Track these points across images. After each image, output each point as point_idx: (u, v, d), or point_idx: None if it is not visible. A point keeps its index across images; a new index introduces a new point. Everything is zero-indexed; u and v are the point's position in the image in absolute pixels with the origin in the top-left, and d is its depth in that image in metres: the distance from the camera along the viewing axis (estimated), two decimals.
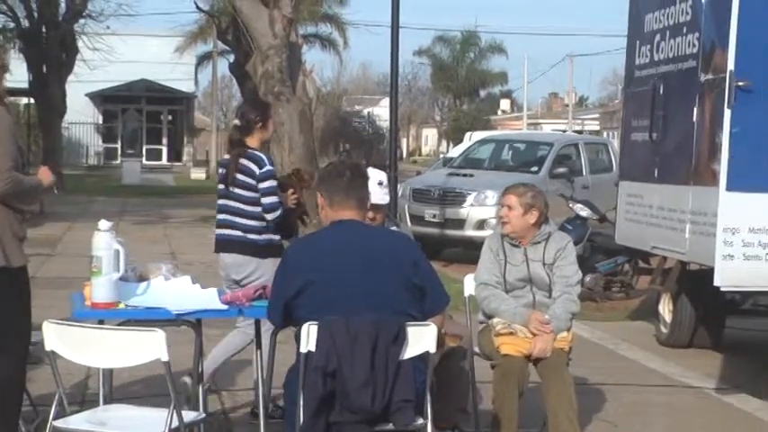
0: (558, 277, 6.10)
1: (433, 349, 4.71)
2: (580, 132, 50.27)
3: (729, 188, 6.61)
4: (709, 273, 8.18)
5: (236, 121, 6.83)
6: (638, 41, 10.65)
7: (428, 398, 4.75)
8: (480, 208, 16.32)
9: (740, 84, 6.53)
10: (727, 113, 6.57)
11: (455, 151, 24.24)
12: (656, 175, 9.94)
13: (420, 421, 4.70)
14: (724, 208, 6.65)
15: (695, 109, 9.15)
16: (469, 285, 6.36)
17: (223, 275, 6.89)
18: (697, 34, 9.30)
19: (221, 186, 6.87)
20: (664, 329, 10.18)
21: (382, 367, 4.55)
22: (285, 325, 4.92)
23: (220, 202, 6.88)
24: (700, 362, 9.09)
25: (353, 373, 4.52)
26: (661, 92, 9.93)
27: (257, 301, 5.22)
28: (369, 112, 55.02)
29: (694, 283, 9.61)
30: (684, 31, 9.58)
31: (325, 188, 4.86)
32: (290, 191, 6.74)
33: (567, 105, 70.33)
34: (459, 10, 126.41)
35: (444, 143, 73.21)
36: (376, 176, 5.87)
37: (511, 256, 6.12)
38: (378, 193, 5.78)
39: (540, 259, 6.11)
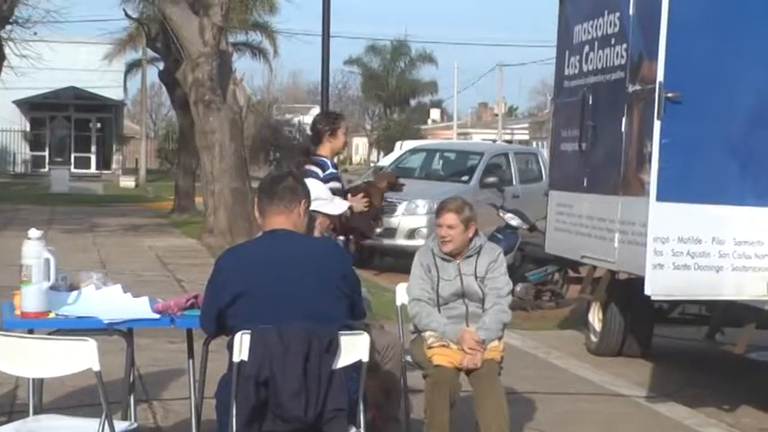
0: (489, 289, 6.12)
1: (366, 358, 4.71)
2: (510, 142, 50.62)
3: (659, 198, 6.69)
4: (637, 282, 8.30)
5: (309, 132, 7.30)
6: (567, 52, 10.76)
7: (361, 407, 4.76)
8: (411, 217, 16.37)
9: (669, 95, 6.62)
10: (657, 125, 6.66)
11: (386, 160, 24.29)
12: (585, 184, 10.04)
13: (353, 430, 4.70)
14: (654, 218, 6.73)
15: (623, 119, 9.25)
16: (401, 295, 6.37)
17: None
18: (625, 45, 9.42)
19: None
20: (593, 338, 10.28)
21: (315, 376, 4.55)
22: (218, 334, 4.90)
23: None
24: (629, 370, 9.19)
25: (286, 382, 4.51)
26: (590, 102, 10.04)
27: (189, 311, 5.18)
28: (299, 121, 54.92)
29: (623, 292, 9.73)
30: (613, 42, 9.70)
31: (257, 199, 4.85)
32: (361, 194, 6.91)
33: (497, 115, 70.82)
34: (390, 19, 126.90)
35: (375, 152, 73.33)
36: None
37: (443, 272, 6.12)
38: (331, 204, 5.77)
39: (472, 273, 6.12)
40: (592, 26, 10.15)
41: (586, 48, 10.24)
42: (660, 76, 6.60)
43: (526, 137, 64.33)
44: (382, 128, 68.59)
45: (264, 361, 4.50)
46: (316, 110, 69.54)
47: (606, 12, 9.84)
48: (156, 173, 55.19)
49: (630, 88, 9.19)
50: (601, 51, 9.91)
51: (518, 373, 8.29)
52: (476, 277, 6.12)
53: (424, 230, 16.10)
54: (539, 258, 13.02)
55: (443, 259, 6.15)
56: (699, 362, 9.56)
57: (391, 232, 16.25)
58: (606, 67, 9.78)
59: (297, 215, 4.82)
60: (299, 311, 4.59)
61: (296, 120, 55.23)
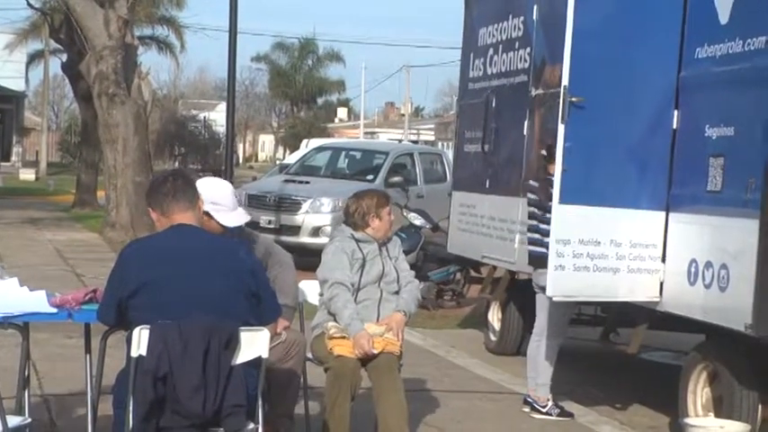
0: (400, 271, 6.39)
1: (265, 354, 4.73)
2: (416, 142, 50.84)
3: (562, 201, 6.81)
4: None
5: (543, 151, 7.83)
6: (471, 54, 10.89)
7: (260, 403, 4.77)
8: (316, 215, 16.39)
9: (573, 100, 6.74)
10: (561, 128, 6.78)
11: (292, 158, 24.29)
12: (487, 185, 10.18)
13: (251, 426, 4.71)
14: (557, 220, 6.85)
15: (525, 122, 9.42)
16: (306, 291, 6.43)
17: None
18: (528, 50, 9.58)
19: (532, 209, 7.76)
20: (492, 337, 10.41)
21: (214, 372, 4.55)
22: (117, 327, 4.87)
23: (532, 222, 7.74)
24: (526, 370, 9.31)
25: (185, 377, 4.50)
26: (493, 105, 10.18)
27: (87, 305, 5.14)
28: (205, 117, 54.54)
29: (522, 292, 9.85)
30: (517, 46, 9.85)
31: (154, 200, 4.83)
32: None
33: (404, 115, 71.14)
34: (298, 17, 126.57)
35: (281, 149, 73.09)
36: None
37: (369, 256, 6.29)
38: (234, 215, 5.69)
39: (393, 256, 6.40)
40: (496, 29, 10.30)
41: (491, 51, 10.38)
42: (565, 81, 6.72)
43: (432, 137, 64.64)
44: (289, 125, 68.38)
45: (163, 356, 4.49)
46: (222, 106, 69.04)
47: (511, 16, 9.99)
48: (58, 166, 54.32)
49: (533, 92, 9.36)
50: (505, 55, 10.06)
51: (417, 370, 8.37)
52: (391, 260, 6.38)
53: (329, 229, 16.09)
54: (441, 258, 13.13)
55: (367, 243, 6.30)
56: (593, 361, 9.74)
57: (295, 230, 16.26)
58: (510, 70, 9.93)
59: (199, 210, 4.84)
60: (201, 306, 4.58)
61: (201, 116, 54.86)
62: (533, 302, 8.22)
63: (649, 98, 7.20)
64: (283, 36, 74.30)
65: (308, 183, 17.30)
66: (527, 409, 7.69)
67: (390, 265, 6.37)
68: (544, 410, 7.61)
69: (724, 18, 6.84)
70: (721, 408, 6.86)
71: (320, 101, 76.18)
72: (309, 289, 6.47)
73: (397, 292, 6.35)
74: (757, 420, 6.69)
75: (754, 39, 6.51)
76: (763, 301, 6.27)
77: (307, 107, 72.84)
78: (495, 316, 10.45)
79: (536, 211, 7.63)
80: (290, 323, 6.06)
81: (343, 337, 6.10)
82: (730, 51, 6.74)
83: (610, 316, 8.57)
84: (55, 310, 5.14)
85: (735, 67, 6.66)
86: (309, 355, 6.26)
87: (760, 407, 6.72)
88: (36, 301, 5.18)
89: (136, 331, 4.55)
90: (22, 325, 5.18)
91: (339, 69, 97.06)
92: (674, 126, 7.22)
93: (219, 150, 60.42)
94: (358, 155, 19.29)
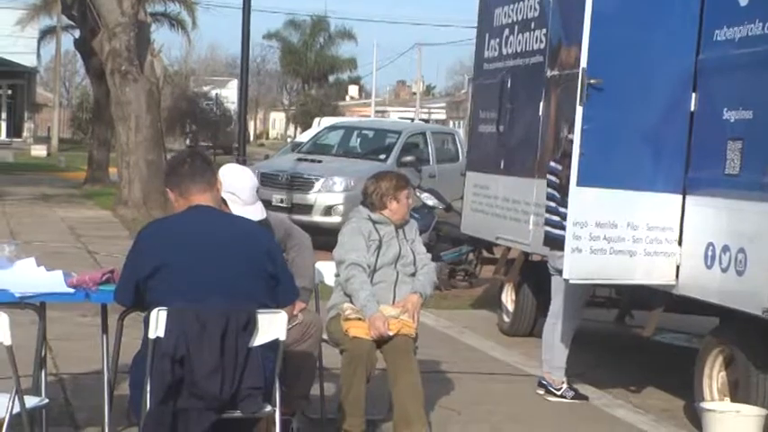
0: (417, 254, 6.40)
1: (283, 337, 4.72)
2: (427, 121, 50.76)
3: (580, 183, 6.77)
4: None
5: (570, 136, 7.37)
6: (487, 35, 10.83)
7: (277, 385, 4.77)
8: (328, 194, 16.37)
9: (592, 81, 6.69)
10: (579, 110, 6.73)
11: (304, 136, 24.22)
12: (502, 166, 10.14)
13: (268, 408, 4.71)
14: (574, 202, 6.81)
15: (541, 104, 9.38)
16: (323, 272, 6.44)
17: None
18: (544, 30, 9.53)
19: (552, 191, 7.64)
20: (506, 319, 10.39)
21: (231, 354, 4.54)
22: (134, 308, 4.87)
23: (551, 204, 7.63)
24: (541, 351, 9.29)
25: (202, 360, 4.50)
26: (509, 85, 10.13)
27: (104, 285, 5.13)
28: (217, 94, 54.46)
29: (536, 273, 9.82)
30: (532, 26, 9.80)
31: (172, 181, 4.81)
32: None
33: (415, 94, 71.02)
34: None
35: (292, 127, 73.03)
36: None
37: (386, 238, 6.28)
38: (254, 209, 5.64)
39: (410, 238, 6.40)
40: (512, 10, 10.24)
41: (506, 31, 10.33)
42: (584, 62, 6.67)
43: (443, 116, 64.54)
44: (300, 103, 68.29)
45: (181, 338, 4.48)
46: (233, 83, 69.08)
47: None
48: (69, 142, 54.41)
49: (549, 73, 9.31)
50: (520, 35, 10.01)
51: (431, 352, 8.35)
52: (408, 242, 6.39)
53: (341, 207, 16.11)
54: (454, 238, 13.12)
55: (384, 225, 6.31)
56: (607, 344, 9.72)
57: (307, 209, 16.24)
58: (525, 51, 9.88)
59: (217, 191, 4.83)
60: (218, 288, 4.58)
61: (213, 93, 54.78)
62: (547, 284, 8.20)
63: (667, 81, 7.14)
64: (295, 13, 74.00)
65: (320, 162, 17.27)
66: (542, 392, 7.68)
67: (407, 248, 6.36)
68: (559, 393, 7.60)
69: (744, 0, 6.78)
70: (737, 392, 6.83)
71: (331, 79, 76.10)
72: (326, 270, 6.47)
73: (413, 275, 6.35)
74: None
75: None
76: None
77: (318, 85, 72.75)
78: (508, 297, 10.43)
79: (556, 193, 7.59)
80: (307, 305, 6.05)
81: (359, 319, 6.09)
82: (750, 34, 6.67)
83: (625, 298, 8.54)
84: (72, 291, 5.13)
85: (755, 50, 6.59)
86: (325, 336, 6.25)
87: None
88: (53, 282, 5.18)
89: (153, 313, 4.54)
90: (39, 305, 5.18)
91: (351, 47, 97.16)
92: (692, 109, 7.17)
93: (231, 127, 60.36)
94: (370, 134, 19.25)
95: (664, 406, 7.96)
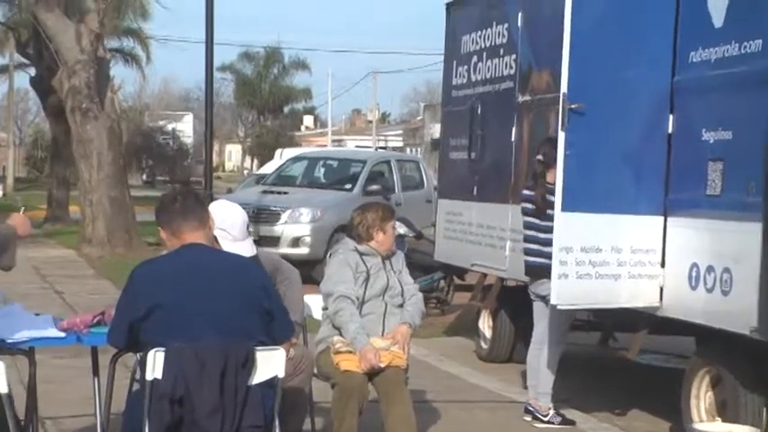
0: (404, 284, 6.40)
1: (281, 374, 4.67)
2: (384, 149, 50.87)
3: (564, 209, 6.77)
4: (526, 289, 8.38)
5: (540, 157, 7.62)
6: (455, 62, 10.86)
7: (276, 423, 4.71)
8: (295, 225, 16.30)
9: (573, 106, 6.71)
10: (562, 136, 6.74)
11: (267, 168, 24.15)
12: (475, 193, 10.15)
13: None
14: (559, 228, 6.81)
15: (513, 129, 9.40)
16: (311, 305, 6.39)
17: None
18: (514, 56, 9.56)
19: (529, 219, 7.61)
20: (484, 345, 10.37)
21: (231, 393, 4.49)
22: (128, 349, 4.79)
23: (529, 232, 7.61)
24: (521, 377, 9.27)
25: (202, 399, 4.44)
26: (479, 112, 10.15)
27: (95, 328, 5.06)
28: (173, 128, 54.33)
29: (513, 299, 9.82)
30: (501, 52, 9.83)
31: (163, 219, 4.75)
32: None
33: (371, 122, 71.07)
34: (263, 26, 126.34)
35: (249, 159, 72.84)
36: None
37: (373, 269, 6.26)
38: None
39: (397, 269, 6.40)
40: (480, 36, 10.28)
41: (475, 58, 10.36)
42: (564, 88, 6.69)
43: (400, 143, 64.68)
44: (255, 135, 68.16)
45: (180, 378, 4.42)
46: (189, 117, 68.71)
47: (494, 23, 9.97)
48: (25, 181, 53.88)
49: (520, 98, 9.34)
50: (489, 61, 10.04)
51: (413, 381, 8.21)
52: (395, 273, 6.38)
53: (308, 239, 16.07)
54: (425, 266, 13.07)
55: (371, 257, 6.27)
56: (588, 367, 9.71)
57: (274, 241, 16.15)
58: (495, 77, 9.91)
59: (209, 229, 4.77)
60: (215, 326, 4.52)
61: (170, 127, 54.64)
62: (524, 310, 8.20)
63: (645, 103, 7.19)
64: (249, 45, 73.85)
65: (286, 193, 17.22)
66: (528, 418, 7.66)
67: (395, 279, 6.34)
68: (546, 419, 7.57)
69: (718, 21, 6.83)
70: (725, 412, 6.84)
71: (286, 109, 75.96)
72: (313, 303, 6.42)
73: (401, 306, 6.32)
74: (762, 424, 6.68)
75: (751, 42, 6.51)
76: None
77: (273, 116, 72.60)
78: (485, 324, 10.41)
79: (533, 220, 7.59)
80: (297, 339, 5.99)
81: (350, 352, 6.05)
82: (726, 55, 6.73)
83: (608, 321, 8.55)
84: (63, 334, 5.05)
85: (732, 71, 6.65)
86: (315, 370, 6.20)
87: (765, 410, 6.71)
88: (43, 326, 5.09)
89: (150, 354, 4.47)
90: (28, 350, 5.09)
91: (305, 77, 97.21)
92: (670, 130, 7.21)
93: (187, 161, 60.28)
94: (335, 164, 19.22)
95: (649, 428, 7.96)
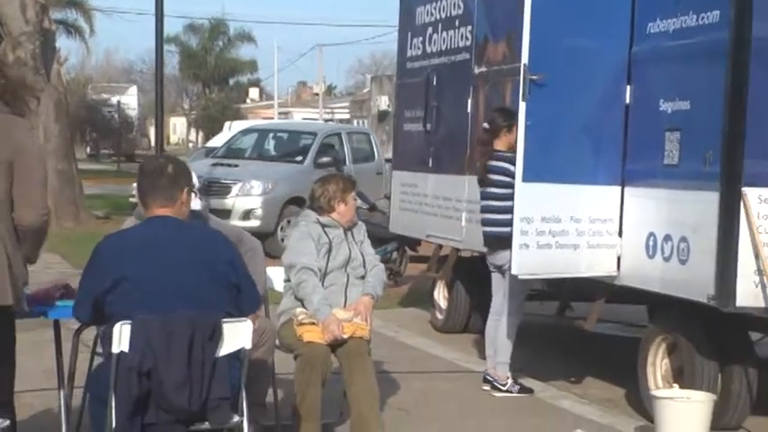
0: (366, 255, 6.39)
1: (248, 346, 4.66)
2: (331, 121, 50.73)
3: (525, 179, 6.80)
4: (482, 260, 8.42)
5: (486, 125, 7.72)
6: (409, 33, 10.83)
7: (243, 394, 4.70)
8: (246, 198, 16.23)
9: (534, 77, 6.72)
10: (522, 106, 6.76)
11: (216, 141, 23.97)
12: (430, 164, 10.15)
13: (236, 419, 4.64)
14: (520, 198, 6.84)
15: (469, 100, 9.41)
16: (273, 278, 6.37)
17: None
18: (470, 27, 9.56)
19: (485, 188, 7.71)
20: (439, 316, 10.41)
21: (199, 365, 4.47)
22: (93, 322, 4.75)
23: (484, 202, 7.73)
24: (478, 347, 9.33)
25: (170, 372, 4.41)
26: (435, 83, 10.14)
27: (60, 301, 5.00)
28: (118, 101, 53.77)
29: (469, 270, 9.87)
30: (457, 24, 9.82)
31: (139, 185, 4.73)
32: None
33: (317, 94, 70.85)
34: None
35: (194, 132, 72.36)
36: None
37: (335, 241, 6.23)
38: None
39: (359, 240, 6.37)
40: (435, 8, 10.26)
41: (430, 29, 10.34)
42: (525, 59, 6.70)
43: (347, 116, 64.51)
44: (201, 107, 67.71)
45: (147, 351, 4.39)
46: (133, 90, 67.97)
47: None
48: None
49: (476, 69, 9.34)
50: (445, 33, 10.03)
51: (373, 352, 8.29)
52: (358, 244, 6.36)
53: (260, 211, 16.01)
54: (379, 237, 13.04)
55: (333, 228, 6.25)
56: (546, 337, 9.78)
57: (226, 214, 16.04)
58: (451, 48, 9.90)
59: (179, 205, 4.73)
60: (181, 298, 4.50)
61: (115, 100, 54.05)
62: (480, 280, 8.24)
63: (603, 74, 7.22)
64: (193, 17, 73.11)
65: (236, 166, 17.12)
66: (487, 388, 7.70)
67: (357, 250, 6.33)
68: (505, 388, 7.63)
69: None
70: (681, 379, 6.93)
71: (232, 82, 75.51)
72: (275, 275, 6.41)
73: (363, 277, 6.32)
74: (717, 389, 6.77)
75: (709, 12, 6.55)
76: (725, 272, 6.33)
77: (218, 88, 72.13)
78: (441, 294, 10.46)
79: (489, 189, 7.62)
80: (260, 311, 5.97)
81: (312, 323, 6.04)
82: (684, 26, 6.77)
83: (565, 291, 8.60)
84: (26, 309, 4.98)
85: (690, 41, 6.69)
86: (277, 342, 6.19)
87: (720, 376, 6.81)
88: None
89: (116, 327, 4.44)
90: None
91: (251, 50, 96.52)
92: (627, 101, 7.25)
93: (133, 134, 59.71)
94: (285, 136, 19.13)
95: (605, 395, 8.04)
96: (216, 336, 4.53)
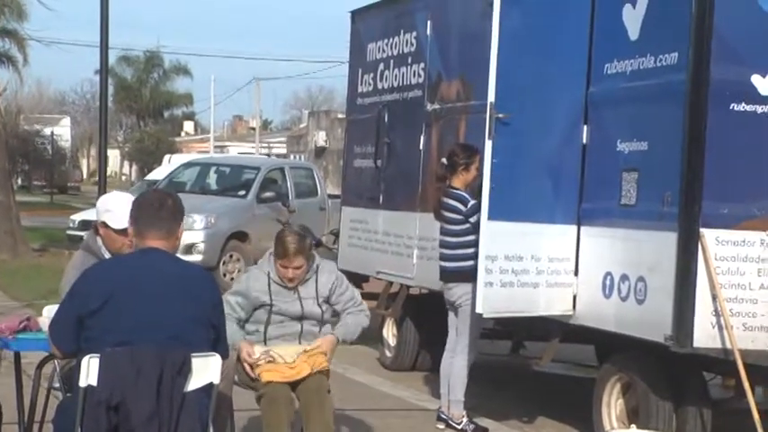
0: (346, 303, 6.23)
1: (217, 380, 4.59)
2: (268, 155, 50.57)
3: (491, 217, 6.81)
4: (431, 297, 8.43)
5: (444, 161, 7.74)
6: (360, 70, 10.85)
7: (210, 430, 4.63)
8: (188, 232, 16.00)
9: (500, 116, 6.76)
10: (488, 144, 6.78)
11: (157, 174, 23.74)
12: (381, 201, 10.14)
13: None
14: (485, 237, 6.85)
15: (422, 137, 9.43)
16: None
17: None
18: (422, 65, 9.60)
19: (442, 224, 7.75)
20: (388, 353, 10.37)
21: (167, 399, 4.39)
22: (74, 353, 4.62)
23: (441, 237, 7.76)
24: (428, 385, 9.32)
25: (139, 405, 4.33)
26: (386, 120, 10.14)
27: (22, 334, 4.90)
28: (52, 132, 53.20)
29: (418, 307, 9.86)
30: (409, 61, 9.86)
31: (133, 216, 4.65)
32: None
33: (253, 128, 70.58)
34: (142, 30, 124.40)
35: (127, 165, 71.75)
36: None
37: (280, 297, 6.07)
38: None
39: (312, 296, 6.14)
40: (387, 45, 10.29)
41: (381, 66, 10.37)
42: (491, 97, 6.73)
43: (284, 150, 64.37)
44: (136, 140, 67.18)
45: (116, 385, 4.31)
46: (66, 121, 67.21)
47: (402, 31, 10.00)
48: None
49: (429, 107, 9.37)
50: (397, 70, 10.06)
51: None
52: (316, 299, 6.13)
53: (201, 246, 15.89)
54: None
55: (281, 286, 6.10)
56: (498, 375, 9.78)
57: None
58: (403, 85, 9.93)
59: (175, 239, 4.67)
60: (153, 330, 4.42)
61: (48, 131, 53.45)
62: (429, 318, 8.21)
63: (562, 114, 7.29)
64: (128, 49, 72.45)
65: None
66: (442, 426, 7.68)
67: (313, 305, 6.13)
68: (459, 427, 7.60)
69: (634, 35, 6.96)
70: (636, 419, 6.95)
71: (166, 114, 75.08)
72: None
73: (319, 331, 6.18)
74: (673, 429, 6.81)
75: (667, 54, 6.64)
76: (683, 312, 6.39)
77: (153, 121, 71.67)
78: (390, 332, 10.43)
79: (446, 226, 7.63)
80: None
81: (270, 362, 5.98)
82: (641, 67, 6.86)
83: (518, 330, 8.62)
84: None
85: (648, 83, 6.78)
86: (236, 377, 6.12)
87: (674, 416, 6.85)
88: None
89: (84, 360, 4.35)
90: None
91: (186, 83, 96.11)
92: (584, 141, 7.32)
93: (65, 166, 59.13)
94: (228, 170, 19.02)
95: None
96: (185, 369, 4.45)
